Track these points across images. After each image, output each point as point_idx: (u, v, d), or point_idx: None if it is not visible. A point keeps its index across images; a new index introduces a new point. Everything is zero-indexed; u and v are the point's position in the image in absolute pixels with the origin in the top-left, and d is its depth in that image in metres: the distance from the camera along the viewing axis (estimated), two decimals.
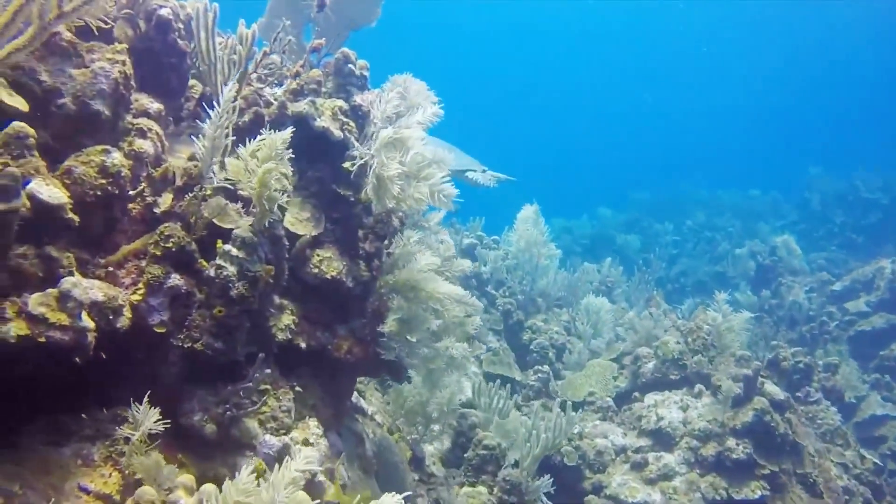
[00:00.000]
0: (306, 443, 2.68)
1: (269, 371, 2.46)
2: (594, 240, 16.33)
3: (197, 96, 3.19)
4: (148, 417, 2.14)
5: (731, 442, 5.09)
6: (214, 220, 2.45)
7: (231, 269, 2.37)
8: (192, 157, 2.72)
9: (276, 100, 3.25)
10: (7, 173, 1.85)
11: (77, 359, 2.05)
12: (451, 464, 4.23)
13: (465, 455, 4.11)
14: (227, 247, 2.41)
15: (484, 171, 5.53)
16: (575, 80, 39.56)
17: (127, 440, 2.17)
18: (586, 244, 15.95)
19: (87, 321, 2.02)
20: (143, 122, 2.67)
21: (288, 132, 2.59)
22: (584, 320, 7.58)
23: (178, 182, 2.51)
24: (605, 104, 41.38)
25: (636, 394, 6.17)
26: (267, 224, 2.61)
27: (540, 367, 6.67)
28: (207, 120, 2.52)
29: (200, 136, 2.50)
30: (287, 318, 2.82)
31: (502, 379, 6.33)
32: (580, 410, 6.28)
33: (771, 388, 5.36)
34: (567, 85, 40.12)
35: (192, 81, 3.20)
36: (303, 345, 2.89)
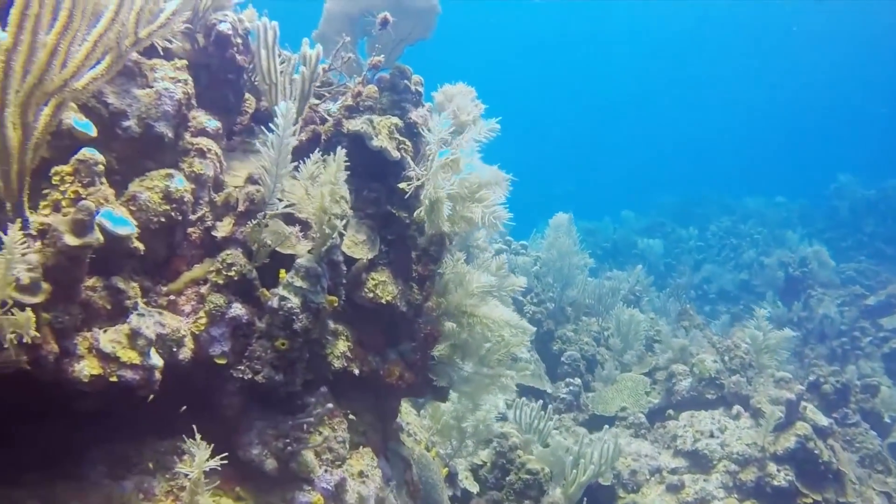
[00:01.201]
0: (361, 475, 2.62)
1: (330, 406, 2.40)
2: (616, 244, 16.13)
3: (251, 111, 3.12)
4: (205, 455, 2.08)
5: (772, 468, 4.96)
6: (277, 248, 2.39)
7: (295, 301, 2.30)
8: (249, 179, 2.66)
9: (330, 116, 3.17)
10: (83, 207, 1.79)
11: (142, 395, 2.00)
12: (492, 486, 4.17)
13: (508, 479, 4.05)
14: (291, 277, 2.34)
15: None
16: (600, 81, 39.05)
17: (187, 475, 2.13)
18: (608, 248, 15.77)
19: (157, 359, 1.97)
20: (203, 141, 2.61)
21: (342, 156, 2.51)
22: (614, 332, 7.46)
23: (241, 207, 2.44)
24: (630, 107, 40.85)
25: (670, 411, 6.05)
26: (325, 249, 2.54)
27: (571, 380, 6.57)
28: (268, 144, 2.45)
29: (262, 161, 2.43)
30: (342, 345, 2.75)
31: (534, 392, 6.26)
32: (613, 425, 6.18)
33: (814, 413, 5.21)
34: (592, 87, 39.63)
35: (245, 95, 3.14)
36: (356, 371, 2.82)
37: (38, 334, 1.60)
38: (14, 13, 1.43)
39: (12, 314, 1.56)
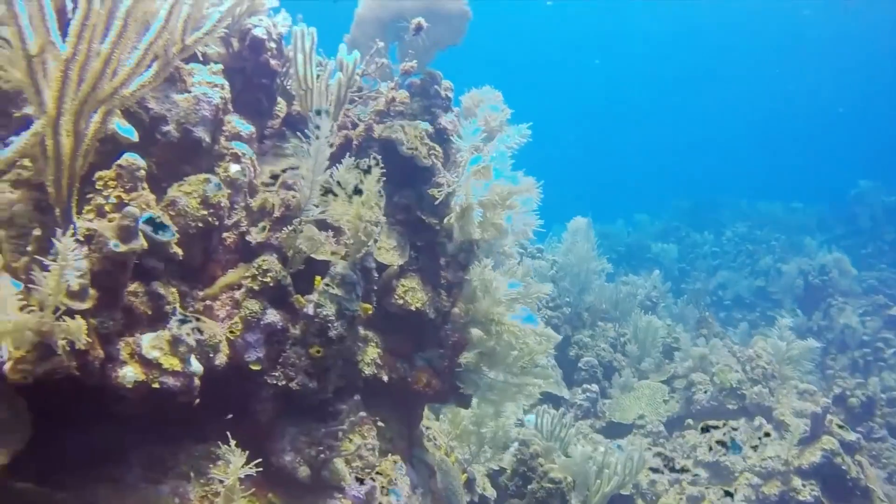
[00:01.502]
0: (391, 483, 2.61)
1: (363, 414, 2.39)
2: (630, 247, 16.02)
3: (282, 115, 3.13)
4: (241, 462, 2.08)
5: (796, 482, 4.88)
6: (312, 255, 2.38)
7: (330, 309, 2.30)
8: (283, 184, 2.67)
9: (361, 121, 3.17)
10: (128, 213, 1.80)
11: (182, 401, 2.01)
12: (513, 493, 4.16)
13: (529, 487, 4.03)
14: (326, 284, 2.34)
15: None
16: (612, 83, 38.78)
17: (221, 481, 2.13)
18: (622, 251, 15.66)
19: (197, 365, 1.98)
20: (238, 146, 2.62)
21: (378, 166, 2.50)
22: (631, 338, 7.39)
23: (276, 213, 2.45)
24: (642, 109, 40.53)
25: (689, 421, 5.98)
26: (359, 256, 2.53)
27: (588, 386, 6.52)
28: (305, 151, 2.45)
29: (301, 169, 2.43)
30: (372, 352, 2.75)
31: (550, 398, 6.22)
32: (630, 433, 6.13)
33: (841, 427, 5.12)
34: (604, 88, 39.37)
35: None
36: (385, 378, 2.82)
37: (90, 340, 1.61)
38: (74, 24, 1.43)
39: (63, 320, 1.57)
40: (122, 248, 1.78)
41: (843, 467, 4.80)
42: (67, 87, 1.52)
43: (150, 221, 1.95)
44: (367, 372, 2.67)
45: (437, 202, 3.03)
